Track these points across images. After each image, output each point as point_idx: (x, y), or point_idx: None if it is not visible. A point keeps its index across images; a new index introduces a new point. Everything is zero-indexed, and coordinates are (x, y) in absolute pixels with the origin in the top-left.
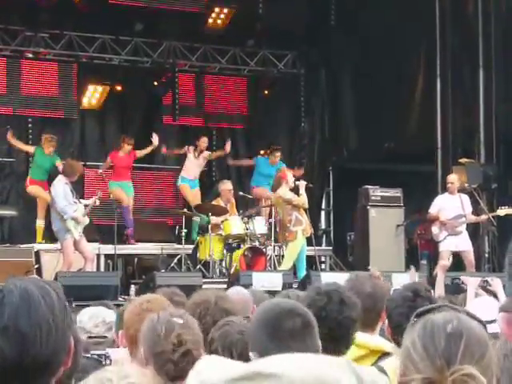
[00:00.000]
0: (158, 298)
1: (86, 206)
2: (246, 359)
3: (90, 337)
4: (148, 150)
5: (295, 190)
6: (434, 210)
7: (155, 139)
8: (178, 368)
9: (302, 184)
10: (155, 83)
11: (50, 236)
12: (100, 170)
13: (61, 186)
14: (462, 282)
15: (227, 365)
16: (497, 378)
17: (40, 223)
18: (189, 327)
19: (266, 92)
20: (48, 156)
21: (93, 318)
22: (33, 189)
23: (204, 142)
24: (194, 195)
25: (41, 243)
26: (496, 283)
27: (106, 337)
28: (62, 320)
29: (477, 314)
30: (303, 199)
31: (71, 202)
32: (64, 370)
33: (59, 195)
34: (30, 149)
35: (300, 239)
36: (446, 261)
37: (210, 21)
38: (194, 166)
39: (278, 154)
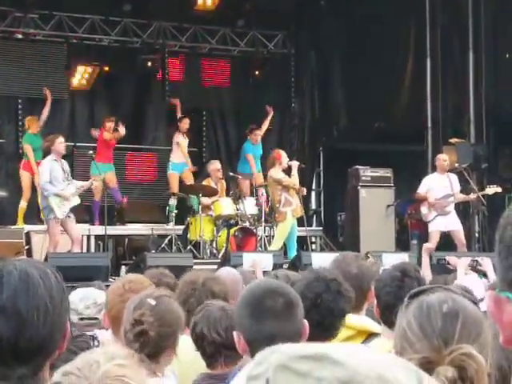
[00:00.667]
0: (140, 278)
1: (80, 186)
2: (232, 335)
3: (81, 318)
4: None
5: (288, 170)
6: (422, 190)
7: (122, 129)
8: (131, 347)
9: (295, 164)
10: (149, 64)
11: (41, 217)
12: (90, 151)
13: (47, 163)
14: (448, 263)
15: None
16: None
17: (23, 204)
18: (158, 309)
19: (257, 72)
20: (36, 135)
21: (84, 300)
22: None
23: (186, 123)
24: (185, 177)
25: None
26: (486, 263)
27: (97, 318)
28: (59, 302)
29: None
30: (294, 180)
31: (59, 181)
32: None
33: (42, 172)
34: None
35: (289, 220)
36: (432, 243)
37: (200, 1)
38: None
39: (258, 132)
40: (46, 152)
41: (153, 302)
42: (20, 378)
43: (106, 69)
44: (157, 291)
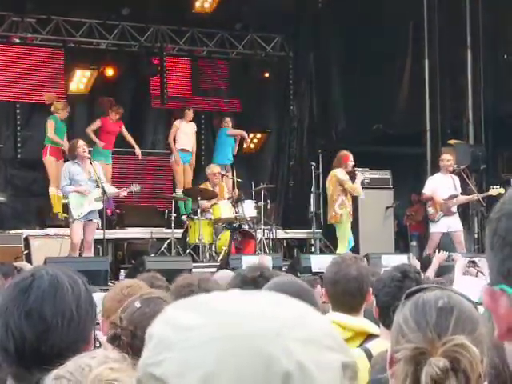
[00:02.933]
0: (138, 283)
1: (107, 192)
2: None
3: None
4: (132, 142)
5: (351, 175)
6: (427, 190)
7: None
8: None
9: (360, 176)
10: (147, 67)
11: (40, 222)
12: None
13: (65, 167)
14: (453, 259)
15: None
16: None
17: (53, 191)
18: (140, 312)
19: (255, 75)
20: (63, 121)
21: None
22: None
23: (191, 113)
24: (183, 171)
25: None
26: (483, 264)
27: None
28: (85, 311)
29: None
30: (356, 188)
31: (82, 183)
32: None
33: (61, 175)
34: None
35: (345, 222)
36: (431, 246)
37: (198, 4)
38: (184, 135)
39: (227, 119)
40: (71, 157)
41: (138, 305)
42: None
43: (104, 73)
44: (152, 293)
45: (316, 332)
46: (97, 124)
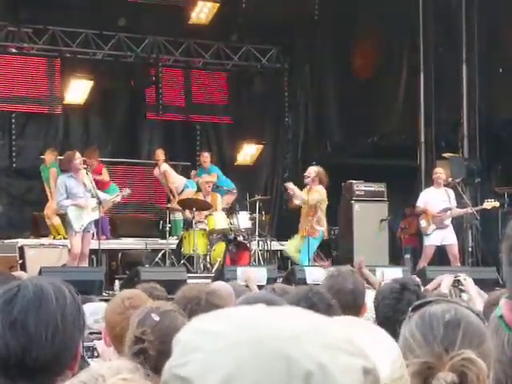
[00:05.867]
0: (138, 294)
1: (102, 200)
2: None
3: (90, 333)
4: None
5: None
6: (421, 203)
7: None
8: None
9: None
10: (143, 77)
11: (35, 231)
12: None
13: (59, 181)
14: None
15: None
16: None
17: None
18: (161, 326)
19: (250, 87)
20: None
21: (93, 314)
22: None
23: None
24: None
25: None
26: (468, 282)
27: None
28: (71, 322)
29: None
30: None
31: (79, 195)
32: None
33: (58, 189)
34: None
35: (319, 239)
36: (425, 259)
37: (194, 15)
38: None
39: (206, 154)
40: (65, 170)
41: (156, 318)
42: None
43: (100, 83)
44: (163, 305)
45: (335, 338)
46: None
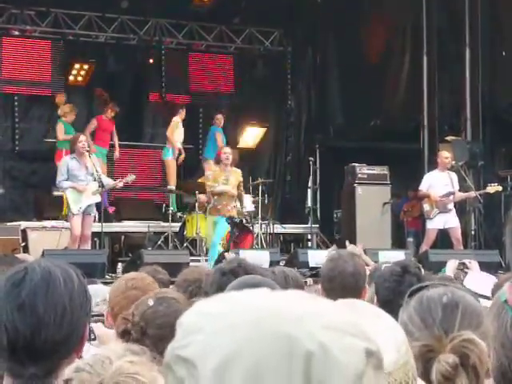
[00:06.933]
0: (141, 276)
1: (104, 184)
2: None
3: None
4: (116, 142)
5: None
6: (424, 186)
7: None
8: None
9: None
10: (145, 60)
11: (37, 214)
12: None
13: (62, 161)
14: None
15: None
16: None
17: None
18: (153, 310)
19: (253, 70)
20: (70, 124)
21: (94, 297)
22: None
23: (184, 112)
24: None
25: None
26: (473, 265)
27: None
28: (79, 305)
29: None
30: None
31: (80, 178)
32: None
33: (59, 170)
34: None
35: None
36: (427, 242)
37: None
38: (179, 133)
39: (219, 116)
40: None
41: (151, 303)
42: (30, 378)
43: (103, 65)
44: (166, 293)
45: (337, 320)
46: (93, 124)
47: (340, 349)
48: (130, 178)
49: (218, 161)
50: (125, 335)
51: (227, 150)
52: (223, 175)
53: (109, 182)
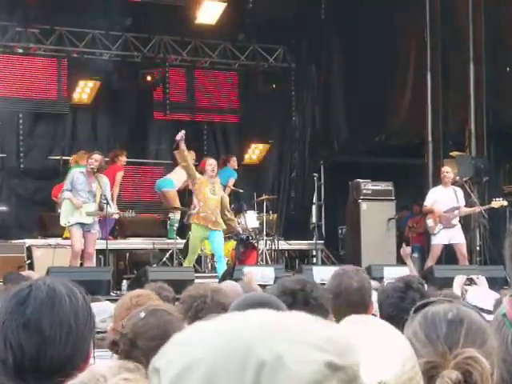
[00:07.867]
0: (147, 293)
1: (105, 210)
2: None
3: (97, 332)
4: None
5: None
6: (428, 202)
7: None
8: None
9: None
10: (148, 78)
11: (42, 231)
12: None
13: (71, 172)
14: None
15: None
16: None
17: None
18: (143, 322)
19: (257, 87)
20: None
21: (100, 313)
22: None
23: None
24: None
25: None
26: (481, 281)
27: None
28: (84, 323)
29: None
30: None
31: (81, 194)
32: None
33: (66, 178)
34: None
35: None
36: (432, 258)
37: (200, 15)
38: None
39: (234, 158)
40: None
41: (142, 315)
42: None
43: (107, 83)
44: (159, 305)
45: (309, 335)
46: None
47: (295, 360)
48: (129, 214)
49: (201, 171)
50: (114, 347)
51: (212, 161)
52: (209, 185)
53: (110, 210)
